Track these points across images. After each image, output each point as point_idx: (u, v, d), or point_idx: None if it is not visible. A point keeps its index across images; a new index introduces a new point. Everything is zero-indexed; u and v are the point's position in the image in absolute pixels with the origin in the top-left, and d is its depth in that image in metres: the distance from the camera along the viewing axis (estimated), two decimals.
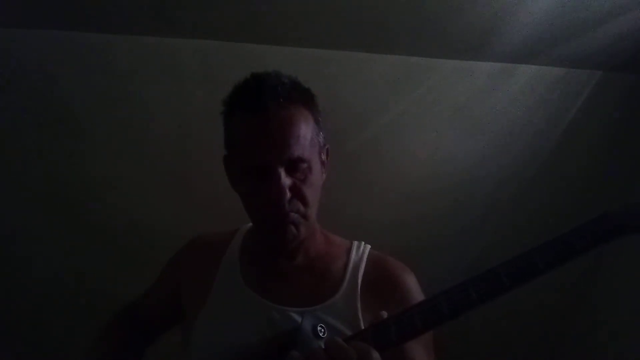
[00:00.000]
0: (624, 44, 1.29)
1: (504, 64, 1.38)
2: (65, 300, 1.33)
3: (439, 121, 1.40)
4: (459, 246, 1.45)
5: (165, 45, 1.26)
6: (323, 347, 0.60)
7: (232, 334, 0.77)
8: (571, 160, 1.47)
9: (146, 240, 1.31)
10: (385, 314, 0.64)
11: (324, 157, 0.83)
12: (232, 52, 1.27)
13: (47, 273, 1.33)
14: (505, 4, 1.15)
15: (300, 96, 0.77)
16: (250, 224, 0.92)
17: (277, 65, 0.80)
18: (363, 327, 0.75)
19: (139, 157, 1.31)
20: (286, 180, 0.72)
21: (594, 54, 1.34)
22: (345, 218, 1.34)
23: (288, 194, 0.72)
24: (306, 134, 0.75)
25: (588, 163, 1.48)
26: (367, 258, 0.84)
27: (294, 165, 0.74)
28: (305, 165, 0.75)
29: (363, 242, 0.88)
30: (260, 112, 0.72)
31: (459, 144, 1.42)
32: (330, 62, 1.32)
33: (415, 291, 0.81)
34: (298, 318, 0.75)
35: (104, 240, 1.32)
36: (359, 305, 0.77)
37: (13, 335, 1.32)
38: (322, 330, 0.68)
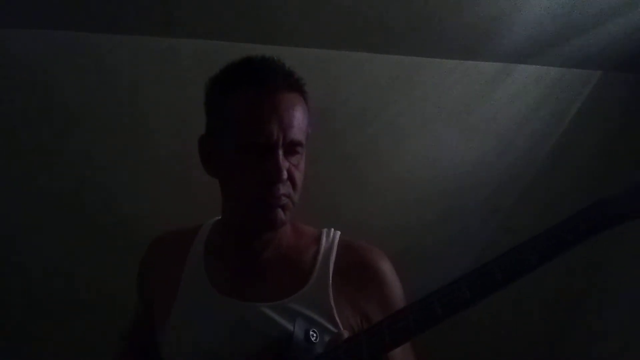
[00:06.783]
0: (624, 44, 1.29)
1: (504, 64, 1.38)
2: (63, 299, 1.32)
3: (438, 121, 1.40)
4: (458, 247, 1.44)
5: (165, 45, 1.26)
6: (316, 352, 0.59)
7: (204, 338, 0.76)
8: (571, 161, 1.47)
9: (146, 240, 1.31)
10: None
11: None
12: (232, 52, 1.26)
13: (45, 272, 1.32)
14: (505, 4, 1.15)
15: (299, 83, 0.79)
16: (216, 218, 0.90)
17: None
18: (336, 315, 0.75)
19: (139, 157, 1.31)
20: (284, 163, 0.72)
21: (594, 54, 1.34)
22: (344, 218, 1.33)
23: (286, 175, 0.72)
24: (303, 120, 0.76)
25: (588, 163, 1.48)
26: (337, 244, 0.83)
27: (292, 149, 0.74)
28: (301, 149, 0.76)
29: (332, 229, 0.86)
30: (270, 89, 0.72)
31: (459, 144, 1.42)
32: (330, 62, 1.31)
33: (391, 275, 0.81)
34: (270, 313, 0.74)
35: (103, 239, 1.32)
36: (330, 292, 0.77)
37: (12, 335, 1.32)
38: (315, 335, 0.68)
